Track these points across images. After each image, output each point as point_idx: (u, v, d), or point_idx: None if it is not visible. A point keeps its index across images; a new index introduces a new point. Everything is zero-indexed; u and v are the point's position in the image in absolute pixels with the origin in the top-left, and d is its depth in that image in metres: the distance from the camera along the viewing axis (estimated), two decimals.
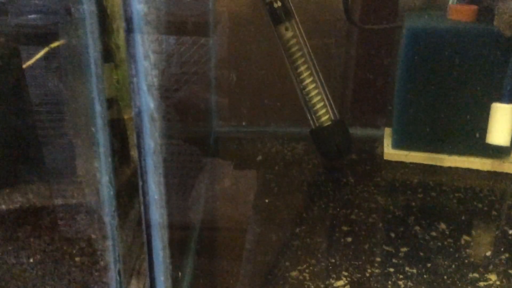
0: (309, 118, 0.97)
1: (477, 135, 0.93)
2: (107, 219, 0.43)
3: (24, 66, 0.50)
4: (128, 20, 0.33)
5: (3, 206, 0.60)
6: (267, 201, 0.84)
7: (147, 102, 0.35)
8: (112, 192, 0.42)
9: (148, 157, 0.37)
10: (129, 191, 0.53)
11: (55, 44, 0.46)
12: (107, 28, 0.40)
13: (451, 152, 0.97)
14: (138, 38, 0.33)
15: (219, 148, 1.09)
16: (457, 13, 0.93)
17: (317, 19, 1.21)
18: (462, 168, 0.96)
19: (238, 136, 1.12)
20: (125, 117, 0.62)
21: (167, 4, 0.36)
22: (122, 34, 0.40)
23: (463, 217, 0.79)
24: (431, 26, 0.92)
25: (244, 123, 1.16)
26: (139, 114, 0.36)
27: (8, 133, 0.61)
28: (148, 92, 0.35)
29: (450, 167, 0.96)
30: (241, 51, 1.15)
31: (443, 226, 0.76)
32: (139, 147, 0.37)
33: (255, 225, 0.76)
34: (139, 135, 0.37)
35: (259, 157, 1.01)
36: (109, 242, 0.45)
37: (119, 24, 0.40)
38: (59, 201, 0.59)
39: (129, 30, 0.33)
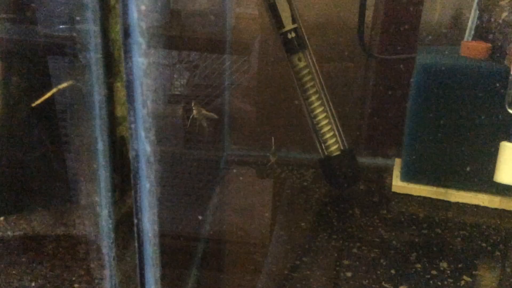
0: (318, 147, 0.99)
1: (485, 172, 0.93)
2: (105, 250, 0.45)
3: (33, 105, 0.53)
4: (129, 72, 0.35)
5: (9, 233, 0.63)
6: (270, 229, 0.85)
7: (144, 147, 0.37)
8: (111, 225, 0.44)
9: (144, 197, 0.39)
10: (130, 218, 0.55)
11: (63, 85, 0.48)
12: (113, 70, 0.42)
13: (459, 187, 0.97)
14: (137, 88, 0.35)
15: (229, 172, 1.11)
16: (469, 50, 0.94)
17: (334, 45, 1.22)
18: (469, 204, 0.95)
19: (249, 160, 1.14)
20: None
21: (167, 55, 0.38)
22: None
23: (465, 256, 0.79)
24: (442, 62, 0.92)
25: (255, 148, 1.18)
26: (136, 157, 0.38)
27: (16, 165, 0.65)
28: (145, 137, 0.37)
29: (457, 203, 0.96)
30: (254, 78, 1.17)
31: (444, 264, 0.76)
32: (135, 187, 0.39)
33: (256, 254, 0.77)
34: (136, 177, 0.39)
35: (267, 183, 1.02)
36: (107, 272, 0.47)
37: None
38: (61, 230, 0.62)
39: (129, 81, 0.35)
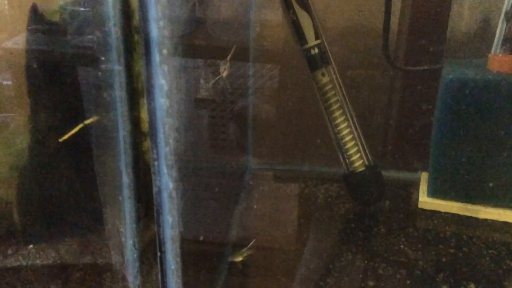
0: (342, 162, 0.98)
1: None
2: (130, 278, 0.46)
3: (60, 140, 0.55)
4: (151, 112, 0.36)
5: (38, 261, 0.65)
6: (292, 247, 0.85)
7: (167, 183, 0.38)
8: (135, 255, 0.45)
9: (167, 231, 0.40)
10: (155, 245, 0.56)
11: (89, 121, 0.50)
12: (137, 103, 0.43)
13: (487, 203, 0.95)
14: (160, 128, 0.36)
15: (252, 186, 1.11)
16: (496, 63, 0.92)
17: (359, 52, 1.21)
18: (498, 221, 0.93)
19: (272, 174, 1.14)
20: None
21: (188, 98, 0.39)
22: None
23: (494, 277, 0.77)
24: (468, 76, 0.91)
25: (279, 162, 1.18)
26: (158, 192, 0.39)
27: (46, 197, 0.67)
28: (168, 174, 0.38)
29: (486, 219, 0.94)
30: (278, 91, 1.17)
31: (472, 286, 0.75)
32: (158, 221, 0.40)
33: (278, 274, 0.77)
34: (159, 211, 0.40)
35: (291, 199, 1.02)
36: None
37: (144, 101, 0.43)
38: (87, 259, 0.63)
39: (152, 121, 0.36)
